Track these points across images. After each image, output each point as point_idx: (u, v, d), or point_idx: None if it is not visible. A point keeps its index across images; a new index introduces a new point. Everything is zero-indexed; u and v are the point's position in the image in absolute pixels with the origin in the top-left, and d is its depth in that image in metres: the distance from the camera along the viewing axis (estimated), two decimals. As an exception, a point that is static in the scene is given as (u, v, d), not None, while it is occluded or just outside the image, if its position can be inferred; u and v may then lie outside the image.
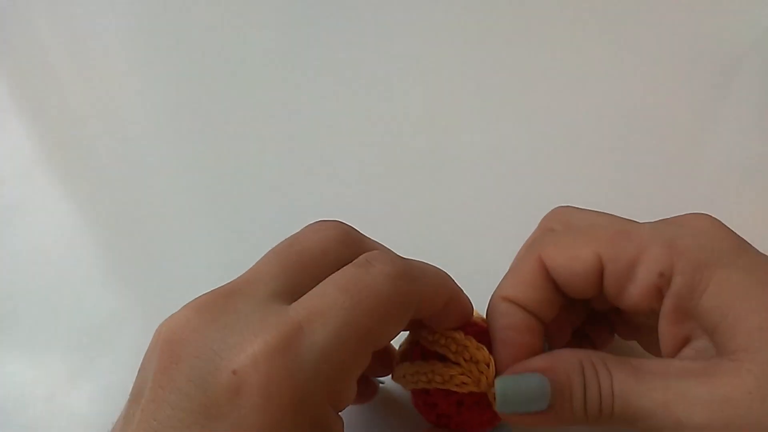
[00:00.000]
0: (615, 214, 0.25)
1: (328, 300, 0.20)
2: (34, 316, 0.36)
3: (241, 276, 0.22)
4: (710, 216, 0.23)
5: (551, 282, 0.24)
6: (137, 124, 0.49)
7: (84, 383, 0.33)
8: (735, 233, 0.23)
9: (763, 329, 0.20)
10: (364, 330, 0.20)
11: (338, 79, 0.51)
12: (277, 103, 0.49)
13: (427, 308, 0.23)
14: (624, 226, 0.24)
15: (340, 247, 0.23)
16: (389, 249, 0.25)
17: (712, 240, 0.22)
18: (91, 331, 0.34)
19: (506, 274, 0.26)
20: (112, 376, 0.32)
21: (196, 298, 0.21)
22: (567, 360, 0.23)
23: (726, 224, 0.23)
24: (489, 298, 0.26)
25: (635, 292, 0.22)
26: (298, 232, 0.23)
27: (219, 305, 0.20)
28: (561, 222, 0.27)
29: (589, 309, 0.27)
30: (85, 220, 0.43)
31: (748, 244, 0.22)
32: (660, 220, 0.23)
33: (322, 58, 0.53)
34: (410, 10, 0.57)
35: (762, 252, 0.22)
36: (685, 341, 0.22)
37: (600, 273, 0.23)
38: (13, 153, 0.48)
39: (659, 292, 0.22)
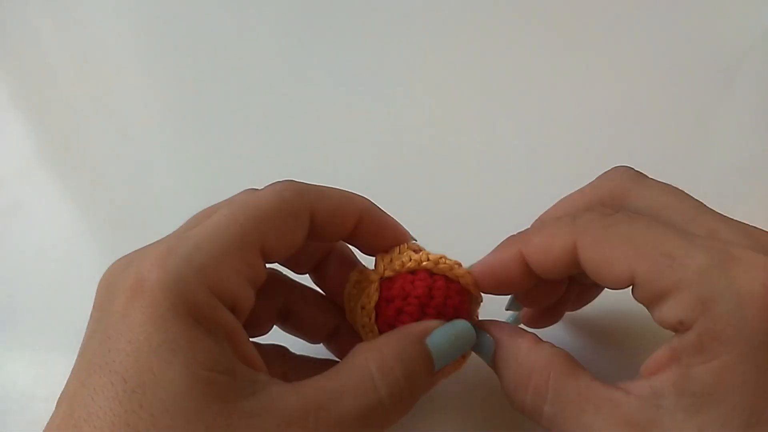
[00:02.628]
0: (686, 194, 0.24)
1: (214, 216, 0.23)
2: (34, 316, 0.36)
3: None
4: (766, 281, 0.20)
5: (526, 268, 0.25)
6: (137, 123, 0.49)
7: (84, 383, 0.33)
8: None
9: (725, 424, 0.20)
10: (241, 231, 0.22)
11: (339, 79, 0.51)
12: (278, 103, 0.49)
13: (332, 225, 0.25)
14: (670, 249, 0.21)
15: (246, 192, 0.25)
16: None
17: (746, 318, 0.20)
18: (92, 331, 0.34)
19: (533, 230, 0.26)
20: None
21: None
22: (515, 348, 0.24)
23: None
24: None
25: (655, 316, 0.22)
26: None
27: (139, 250, 0.23)
28: (616, 192, 0.25)
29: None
30: (85, 220, 0.43)
31: None
32: (717, 261, 0.20)
33: (323, 58, 0.53)
34: (410, 10, 0.57)
35: None
36: (659, 370, 0.22)
37: (574, 261, 0.23)
38: (13, 153, 0.48)
39: (675, 329, 0.21)
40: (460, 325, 0.24)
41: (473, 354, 0.26)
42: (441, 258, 0.25)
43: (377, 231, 0.26)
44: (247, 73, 0.53)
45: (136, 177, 0.45)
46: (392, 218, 0.27)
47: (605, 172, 0.26)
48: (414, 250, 0.26)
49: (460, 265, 0.26)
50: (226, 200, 0.25)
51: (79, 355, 0.21)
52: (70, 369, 0.22)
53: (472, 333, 0.25)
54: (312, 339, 0.29)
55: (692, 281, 0.20)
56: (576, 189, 0.27)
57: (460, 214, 0.39)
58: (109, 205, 0.43)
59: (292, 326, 0.29)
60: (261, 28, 0.58)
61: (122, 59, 0.56)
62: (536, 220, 0.28)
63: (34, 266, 0.39)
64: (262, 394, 0.20)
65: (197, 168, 0.45)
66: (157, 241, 0.23)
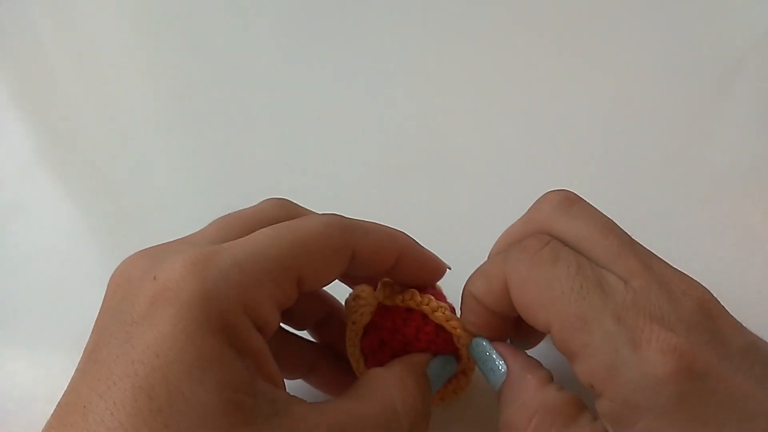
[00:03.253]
0: (614, 225, 0.24)
1: (258, 234, 0.22)
2: (34, 316, 0.37)
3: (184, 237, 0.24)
4: (678, 344, 0.20)
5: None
6: (137, 123, 0.49)
7: (84, 383, 0.33)
8: (695, 375, 0.20)
9: None
10: (282, 256, 0.21)
11: (338, 78, 0.51)
12: (278, 103, 0.49)
13: (374, 261, 0.24)
14: (582, 312, 0.21)
15: (276, 210, 0.25)
16: None
17: (656, 384, 0.19)
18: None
19: (479, 268, 0.26)
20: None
21: None
22: (524, 386, 0.24)
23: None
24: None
25: (574, 370, 0.22)
26: None
27: (156, 248, 0.22)
28: (545, 225, 0.25)
29: None
30: (85, 220, 0.43)
31: (699, 392, 0.20)
32: (623, 328, 0.20)
33: (323, 58, 0.53)
34: (410, 9, 0.57)
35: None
36: None
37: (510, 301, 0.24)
38: (13, 153, 0.48)
39: (589, 391, 0.22)
40: (448, 359, 0.26)
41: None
42: (441, 308, 0.26)
43: (416, 269, 0.26)
44: (247, 73, 0.53)
45: (136, 177, 0.45)
46: (431, 254, 0.27)
47: (539, 198, 0.26)
48: (422, 290, 0.26)
49: (456, 318, 0.26)
50: (259, 209, 0.25)
51: (89, 359, 0.20)
52: (71, 369, 0.22)
53: (454, 362, 0.26)
54: (289, 376, 0.29)
55: (598, 347, 0.20)
56: (575, 188, 0.27)
57: (459, 213, 0.39)
58: (110, 205, 0.43)
59: (296, 324, 0.29)
60: (261, 28, 0.59)
61: (122, 59, 0.56)
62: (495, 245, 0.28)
63: (34, 266, 0.39)
64: (285, 414, 0.20)
65: (197, 168, 0.45)
66: (182, 243, 0.22)
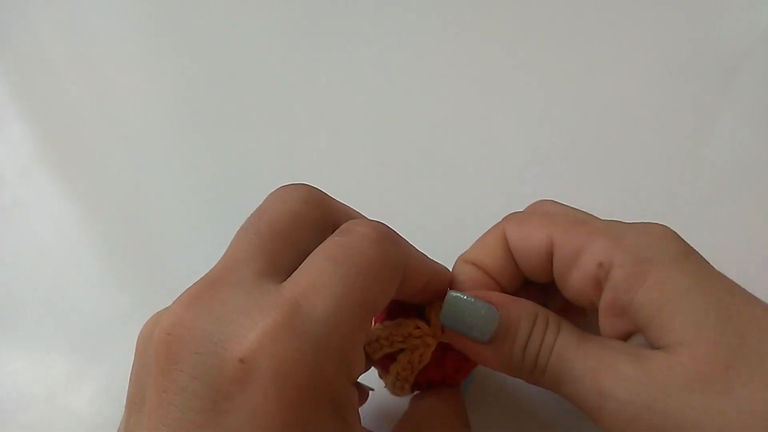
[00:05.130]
0: (598, 216, 0.26)
1: (319, 271, 0.19)
2: (34, 316, 0.37)
3: (218, 263, 0.21)
4: (665, 226, 0.23)
5: (511, 255, 0.25)
6: (137, 123, 0.49)
7: (84, 383, 0.33)
8: (686, 242, 0.23)
9: (698, 327, 0.20)
10: (361, 296, 0.19)
11: (339, 79, 0.51)
12: (279, 102, 0.49)
13: (414, 278, 0.23)
14: (581, 218, 0.24)
15: (310, 210, 0.22)
16: (360, 213, 0.26)
17: (659, 241, 0.22)
18: (91, 331, 0.34)
19: (472, 245, 0.27)
20: (112, 376, 0.32)
21: (180, 295, 0.20)
22: (525, 306, 0.24)
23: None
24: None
25: (577, 279, 0.23)
26: (262, 203, 0.22)
27: (207, 297, 0.19)
28: (539, 211, 0.27)
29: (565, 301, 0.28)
30: (85, 220, 0.43)
31: (697, 252, 0.22)
32: (618, 221, 0.24)
33: (324, 58, 0.53)
34: (410, 8, 0.57)
35: (705, 260, 0.23)
36: (625, 337, 0.23)
37: (551, 257, 0.24)
38: (13, 153, 0.48)
39: (598, 283, 0.23)
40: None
41: None
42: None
43: (440, 288, 0.25)
44: (248, 73, 0.53)
45: (136, 177, 0.45)
46: (445, 269, 0.26)
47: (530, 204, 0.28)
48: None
49: None
50: (292, 213, 0.22)
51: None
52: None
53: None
54: None
55: (601, 230, 0.23)
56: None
57: (459, 213, 0.39)
58: (109, 204, 0.43)
59: None
60: (261, 28, 0.59)
61: (122, 59, 0.56)
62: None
63: (34, 266, 0.39)
64: None
65: (198, 168, 0.45)
66: (233, 286, 0.19)
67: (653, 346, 0.21)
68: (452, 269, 0.26)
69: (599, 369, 0.21)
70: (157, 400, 0.18)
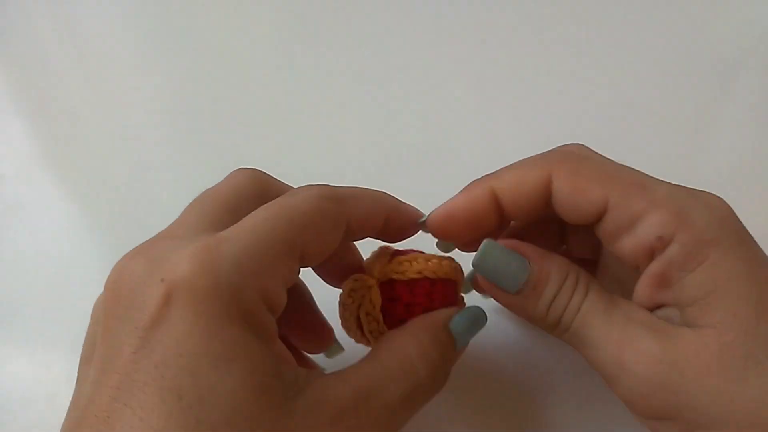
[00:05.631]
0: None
1: (251, 218, 0.22)
2: (34, 316, 0.36)
3: (165, 228, 0.23)
4: (723, 201, 0.23)
5: (547, 201, 0.24)
6: (137, 123, 0.49)
7: (84, 383, 0.33)
8: (741, 223, 0.23)
9: (736, 315, 0.20)
10: (285, 236, 0.21)
11: (338, 78, 0.51)
12: (278, 102, 0.49)
13: (365, 227, 0.25)
14: (640, 180, 0.23)
15: (253, 185, 0.25)
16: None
17: (721, 222, 0.22)
18: (92, 331, 0.34)
19: (510, 167, 0.26)
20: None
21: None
22: (557, 261, 0.24)
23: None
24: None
25: (629, 244, 0.23)
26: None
27: (147, 247, 0.21)
28: (576, 154, 0.25)
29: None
30: (85, 220, 0.43)
31: (750, 236, 0.23)
32: (677, 186, 0.23)
33: (322, 58, 0.53)
34: (410, 7, 0.57)
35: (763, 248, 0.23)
36: (656, 307, 0.23)
37: (599, 217, 0.23)
38: (13, 153, 0.48)
39: (651, 252, 0.22)
40: (475, 310, 0.26)
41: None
42: (439, 263, 0.26)
43: (401, 225, 0.26)
44: (248, 73, 0.53)
45: (136, 177, 0.45)
46: (409, 206, 0.27)
47: (554, 149, 0.27)
48: (400, 252, 0.27)
49: (451, 260, 0.27)
50: (233, 186, 0.25)
51: (102, 369, 0.19)
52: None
53: (484, 316, 0.26)
54: (312, 349, 0.29)
55: (664, 199, 0.22)
56: None
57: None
58: (109, 205, 0.43)
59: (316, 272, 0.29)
60: (261, 27, 0.58)
61: (122, 59, 0.56)
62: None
63: (34, 266, 0.39)
64: (310, 389, 0.21)
65: (197, 168, 0.45)
66: (173, 238, 0.22)
67: (685, 323, 0.21)
68: (469, 192, 0.25)
69: (622, 341, 0.22)
70: (102, 341, 0.20)
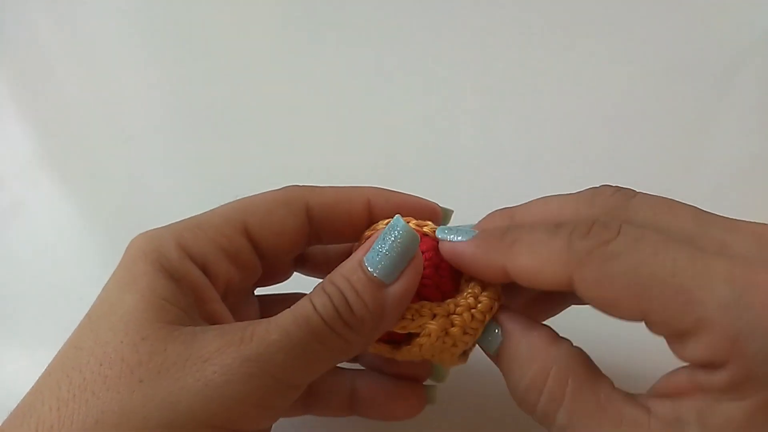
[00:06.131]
0: (681, 203, 0.21)
1: None
2: (34, 316, 0.36)
3: None
4: None
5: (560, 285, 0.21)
6: (137, 123, 0.49)
7: (84, 383, 0.33)
8: None
9: None
10: (226, 210, 0.25)
11: (338, 79, 0.51)
12: (278, 102, 0.49)
13: (334, 213, 0.25)
14: (685, 283, 0.18)
15: (293, 192, 0.26)
16: None
17: None
18: (92, 331, 0.34)
19: (521, 240, 0.22)
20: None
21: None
22: (527, 344, 0.22)
23: None
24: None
25: (678, 353, 0.20)
26: None
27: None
28: (612, 211, 0.21)
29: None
30: (85, 220, 0.43)
31: None
32: (737, 291, 0.18)
33: (322, 59, 0.53)
34: (410, 7, 0.57)
35: None
36: (680, 394, 0.20)
37: (569, 289, 0.20)
38: (13, 153, 0.48)
39: (702, 367, 0.19)
40: (395, 232, 0.22)
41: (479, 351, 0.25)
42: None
43: (396, 212, 0.24)
44: (248, 73, 0.53)
45: (136, 177, 0.45)
46: (407, 195, 0.26)
47: (591, 188, 0.23)
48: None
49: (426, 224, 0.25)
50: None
51: None
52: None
53: (412, 235, 0.22)
54: (334, 412, 0.28)
55: (716, 319, 0.18)
56: (574, 188, 0.26)
57: (461, 213, 0.39)
58: (109, 205, 0.43)
59: (310, 269, 0.29)
60: (262, 27, 0.58)
61: (122, 59, 0.56)
62: (522, 206, 0.25)
63: (34, 266, 0.39)
64: (205, 331, 0.21)
65: (197, 168, 0.45)
66: None
67: None
68: (482, 256, 0.23)
69: None
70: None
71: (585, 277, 0.20)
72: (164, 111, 0.51)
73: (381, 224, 0.25)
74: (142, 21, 0.60)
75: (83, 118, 0.50)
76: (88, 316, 0.22)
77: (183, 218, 0.25)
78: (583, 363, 0.21)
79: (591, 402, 0.20)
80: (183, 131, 0.48)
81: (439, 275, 0.24)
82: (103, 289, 0.23)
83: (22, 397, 0.21)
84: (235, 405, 0.20)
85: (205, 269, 0.23)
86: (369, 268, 0.22)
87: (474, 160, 0.43)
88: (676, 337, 0.19)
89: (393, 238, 0.22)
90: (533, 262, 0.21)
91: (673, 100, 0.46)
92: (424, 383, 0.28)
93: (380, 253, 0.22)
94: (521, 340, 0.22)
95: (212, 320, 0.23)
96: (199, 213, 0.26)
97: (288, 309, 0.21)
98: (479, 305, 0.23)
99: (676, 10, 0.54)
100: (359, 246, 0.23)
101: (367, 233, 0.25)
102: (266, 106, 0.49)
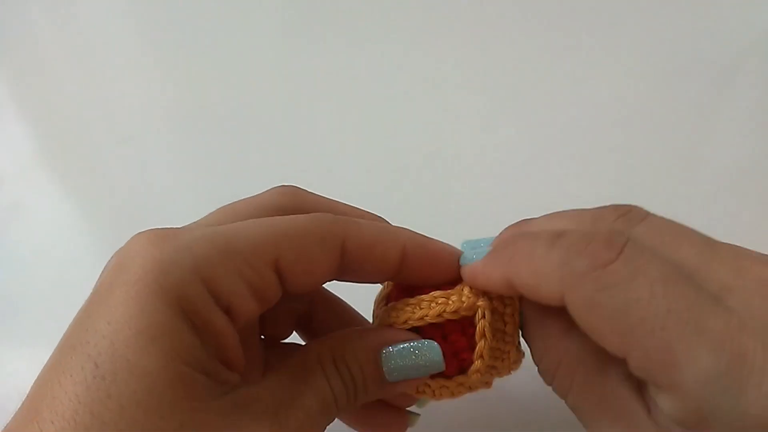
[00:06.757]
0: (692, 230, 0.21)
1: (241, 222, 0.21)
2: (34, 315, 0.37)
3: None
4: None
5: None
6: (137, 123, 0.49)
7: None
8: None
9: None
10: (258, 241, 0.21)
11: (339, 80, 0.51)
12: (279, 103, 0.49)
13: (370, 255, 0.23)
14: (671, 341, 0.17)
15: (283, 198, 0.24)
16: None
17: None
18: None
19: (520, 246, 0.22)
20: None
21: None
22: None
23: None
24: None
25: (654, 396, 0.19)
26: None
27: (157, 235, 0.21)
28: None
29: None
30: (85, 220, 0.43)
31: None
32: (720, 367, 0.17)
33: (324, 60, 0.53)
34: (410, 8, 0.57)
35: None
36: None
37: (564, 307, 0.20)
38: (13, 153, 0.48)
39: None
40: (425, 347, 0.23)
41: None
42: (446, 302, 0.23)
43: (428, 265, 0.24)
44: (248, 73, 0.53)
45: (136, 177, 0.45)
46: (441, 244, 0.25)
47: (609, 205, 0.23)
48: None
49: (474, 295, 0.23)
50: (266, 197, 0.24)
51: (62, 336, 0.20)
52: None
53: (438, 359, 0.23)
54: None
55: (691, 392, 0.17)
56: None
57: (457, 214, 0.39)
58: (109, 205, 0.43)
59: (312, 334, 0.28)
60: (262, 27, 0.58)
61: (122, 59, 0.56)
62: (537, 219, 0.25)
63: (34, 266, 0.39)
64: (235, 393, 0.20)
65: (197, 168, 0.45)
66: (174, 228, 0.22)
67: None
68: (488, 273, 0.23)
69: None
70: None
71: (575, 300, 0.19)
72: (164, 111, 0.51)
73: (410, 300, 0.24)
74: (142, 21, 0.60)
75: (83, 118, 0.50)
76: (93, 362, 0.18)
77: (189, 221, 0.23)
78: (594, 354, 0.21)
79: (595, 395, 0.21)
80: (183, 131, 0.48)
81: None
82: (103, 320, 0.19)
83: (21, 397, 0.21)
84: None
85: (228, 310, 0.20)
86: (383, 367, 0.23)
87: (475, 161, 0.43)
88: (651, 384, 0.19)
89: (421, 360, 0.23)
90: (530, 276, 0.21)
91: (673, 100, 0.46)
92: (407, 409, 0.28)
93: (401, 364, 0.23)
94: (537, 330, 0.23)
95: (228, 364, 0.21)
96: (204, 215, 0.24)
97: (310, 390, 0.21)
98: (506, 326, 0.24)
99: (676, 10, 0.53)
100: (381, 313, 0.24)
101: (387, 287, 0.25)
102: (266, 106, 0.49)
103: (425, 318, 0.23)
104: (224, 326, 0.20)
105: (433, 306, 0.23)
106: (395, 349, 0.23)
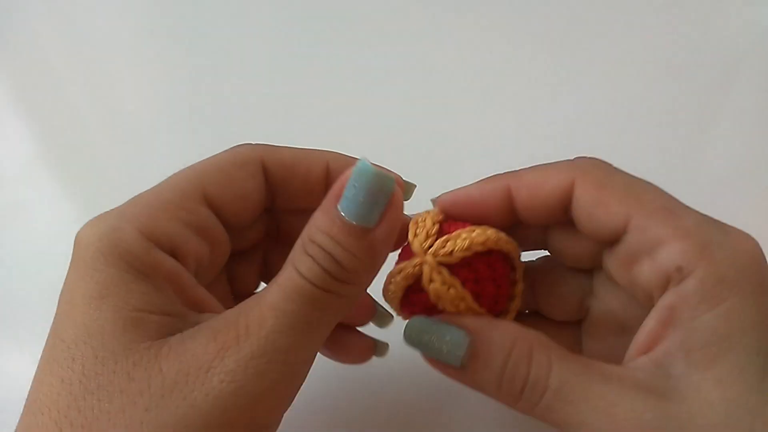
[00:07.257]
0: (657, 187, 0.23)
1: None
2: (34, 316, 0.36)
3: None
4: (755, 242, 0.21)
5: (561, 206, 0.23)
6: (137, 123, 0.49)
7: (84, 383, 0.33)
8: None
9: (744, 370, 0.19)
10: (181, 180, 0.23)
11: (338, 77, 0.51)
12: (278, 101, 0.49)
13: (292, 175, 0.24)
14: (668, 204, 0.22)
15: (250, 152, 0.25)
16: None
17: (747, 265, 0.20)
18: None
19: (531, 169, 0.25)
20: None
21: None
22: (501, 331, 0.22)
23: None
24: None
25: (645, 271, 0.21)
26: None
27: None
28: (602, 167, 0.23)
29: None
30: (85, 220, 0.43)
31: None
32: (708, 218, 0.22)
33: (323, 57, 0.53)
34: (411, 6, 0.57)
35: None
36: (657, 342, 0.21)
37: (566, 201, 0.22)
38: (13, 153, 0.48)
39: (666, 283, 0.21)
40: (365, 176, 0.20)
41: None
42: (494, 235, 0.23)
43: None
44: (248, 73, 0.53)
45: (136, 177, 0.45)
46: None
47: (576, 158, 0.24)
48: (447, 225, 0.23)
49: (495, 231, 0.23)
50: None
51: None
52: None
53: (385, 177, 0.20)
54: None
55: (690, 229, 0.21)
56: None
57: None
58: (109, 205, 0.43)
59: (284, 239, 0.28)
60: (262, 26, 0.58)
61: (122, 59, 0.56)
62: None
63: (34, 266, 0.39)
64: (195, 326, 0.20)
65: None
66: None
67: (687, 370, 0.20)
68: (484, 185, 0.24)
69: (616, 415, 0.19)
70: None
71: (585, 181, 0.22)
72: (164, 111, 0.51)
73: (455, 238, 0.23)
74: (142, 21, 0.60)
75: (83, 118, 0.50)
76: (60, 338, 0.20)
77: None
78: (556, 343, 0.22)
79: (577, 363, 0.21)
80: (183, 131, 0.49)
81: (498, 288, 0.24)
82: (64, 301, 0.21)
83: (22, 397, 0.21)
84: (253, 405, 0.19)
85: (174, 252, 0.22)
86: (347, 218, 0.20)
87: (474, 160, 0.43)
88: (651, 245, 0.21)
89: (365, 183, 0.20)
90: (538, 175, 0.23)
91: (673, 100, 0.46)
92: (372, 339, 0.28)
93: (355, 201, 0.20)
94: (493, 331, 0.22)
95: (197, 307, 0.21)
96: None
97: (273, 283, 0.20)
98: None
99: (676, 11, 0.54)
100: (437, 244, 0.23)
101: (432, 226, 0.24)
102: (266, 106, 0.49)
103: (473, 246, 0.22)
104: (173, 267, 0.21)
105: (475, 236, 0.22)
106: (344, 196, 0.20)
